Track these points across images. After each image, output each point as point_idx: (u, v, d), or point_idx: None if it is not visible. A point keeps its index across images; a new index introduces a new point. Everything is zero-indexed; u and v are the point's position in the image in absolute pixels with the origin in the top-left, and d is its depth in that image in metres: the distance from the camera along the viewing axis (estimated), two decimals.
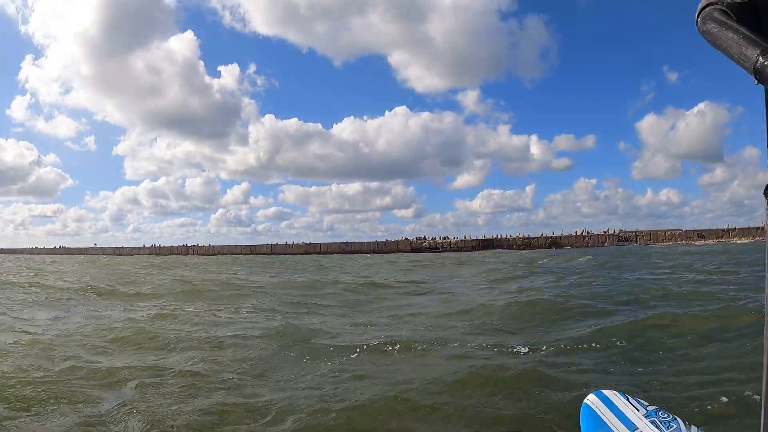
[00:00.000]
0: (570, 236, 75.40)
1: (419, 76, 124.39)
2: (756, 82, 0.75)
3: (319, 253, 77.77)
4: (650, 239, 70.46)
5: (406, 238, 80.00)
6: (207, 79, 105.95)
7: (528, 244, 75.27)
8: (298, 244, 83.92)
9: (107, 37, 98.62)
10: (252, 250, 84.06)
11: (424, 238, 79.60)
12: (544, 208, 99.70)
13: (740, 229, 65.20)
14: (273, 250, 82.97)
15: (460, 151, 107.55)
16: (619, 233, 73.91)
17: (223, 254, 78.97)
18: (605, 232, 74.67)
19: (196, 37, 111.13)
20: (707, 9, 0.88)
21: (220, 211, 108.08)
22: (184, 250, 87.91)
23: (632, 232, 74.11)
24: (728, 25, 0.81)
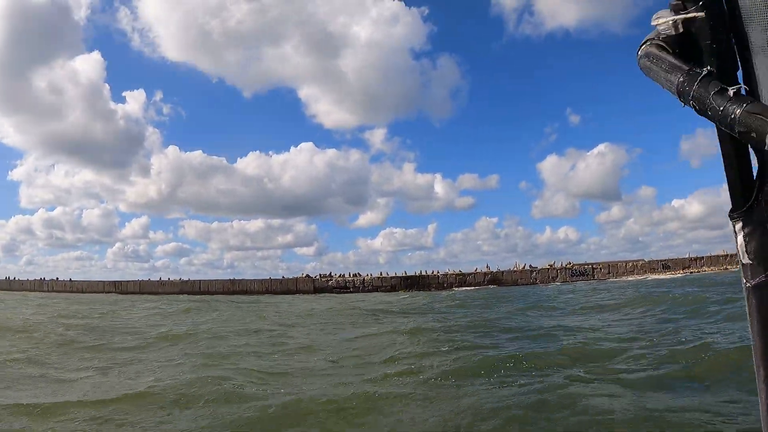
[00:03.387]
0: (512, 271, 60.58)
1: (328, 111, 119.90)
2: (683, 104, 0.83)
3: (198, 292, 60.69)
4: (609, 272, 63.24)
5: (308, 275, 63.08)
6: (111, 104, 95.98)
7: (463, 281, 59.89)
8: (174, 280, 66.25)
9: (10, 51, 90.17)
10: (118, 288, 66.28)
11: (330, 275, 62.75)
12: (446, 246, 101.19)
13: (708, 257, 63.81)
14: (142, 288, 65.88)
15: (364, 189, 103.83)
16: (571, 266, 65.18)
17: (86, 292, 63.78)
18: (551, 266, 60.78)
19: (103, 59, 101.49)
20: (644, 45, 0.92)
21: (118, 245, 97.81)
22: (38, 285, 70.77)
23: (588, 264, 66.11)
24: (658, 57, 0.88)
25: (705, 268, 62.40)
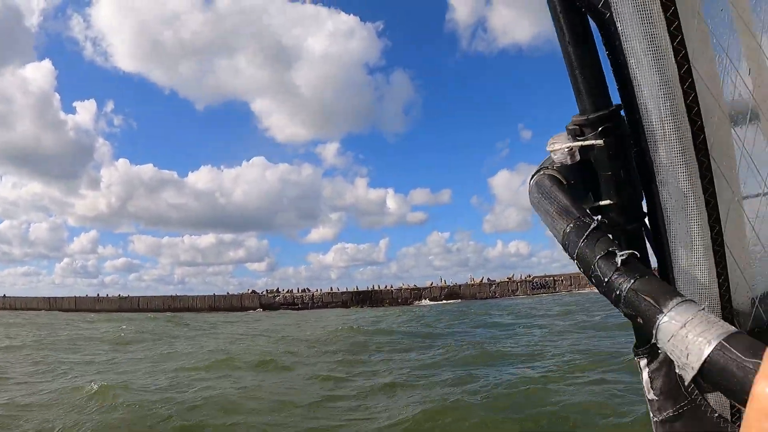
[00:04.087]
0: (470, 285, 58.25)
1: (281, 124, 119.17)
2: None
3: (137, 310, 57.32)
4: (572, 284, 60.68)
5: (254, 291, 59.61)
6: (62, 114, 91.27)
7: (418, 295, 57.42)
8: (112, 298, 62.50)
9: None
10: (53, 305, 62.60)
11: (277, 291, 59.26)
12: (397, 261, 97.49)
13: None
14: (78, 305, 62.38)
15: (316, 204, 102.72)
16: (532, 279, 62.88)
17: (21, 309, 59.75)
18: (510, 278, 58.71)
19: (54, 67, 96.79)
20: (537, 175, 0.83)
21: (66, 260, 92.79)
22: None
23: (549, 276, 63.64)
24: (549, 193, 0.78)
25: None
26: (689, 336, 0.55)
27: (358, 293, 59.05)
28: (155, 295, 63.32)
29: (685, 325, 0.56)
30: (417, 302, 56.37)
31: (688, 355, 0.55)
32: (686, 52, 0.72)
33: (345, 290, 59.95)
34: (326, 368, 11.38)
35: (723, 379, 0.51)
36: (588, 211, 0.74)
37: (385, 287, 60.27)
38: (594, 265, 0.67)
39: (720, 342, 0.52)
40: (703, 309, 0.58)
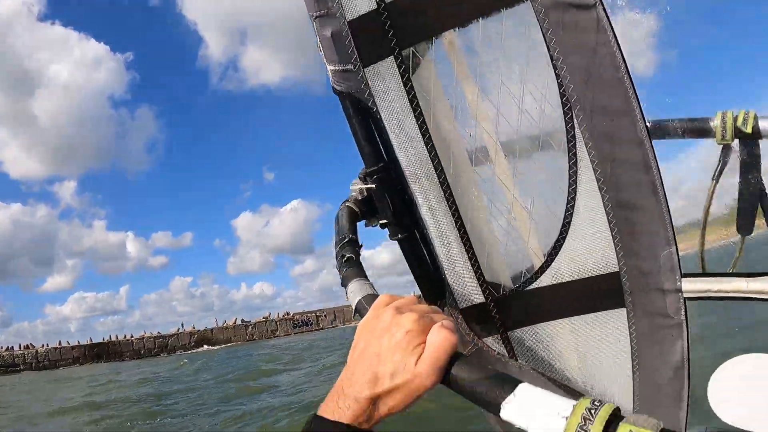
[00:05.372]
0: (224, 328, 56.17)
1: (16, 158, 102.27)
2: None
3: None
4: (335, 318, 60.56)
5: None
6: None
7: (164, 345, 52.59)
8: None
9: None
10: None
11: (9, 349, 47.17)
12: (140, 309, 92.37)
13: None
14: None
15: (52, 249, 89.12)
16: (292, 317, 60.14)
17: None
18: (267, 318, 58.49)
19: None
20: (342, 205, 1.25)
21: None
22: None
23: (311, 313, 61.83)
24: (342, 214, 1.23)
25: None
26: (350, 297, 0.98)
27: (92, 346, 51.07)
28: None
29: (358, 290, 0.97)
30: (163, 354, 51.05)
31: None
32: (424, 119, 1.13)
33: (77, 344, 51.39)
34: None
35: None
36: (355, 230, 1.19)
37: (125, 337, 53.84)
38: (338, 263, 1.09)
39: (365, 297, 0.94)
40: (369, 282, 1.00)
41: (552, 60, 1.06)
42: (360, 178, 1.21)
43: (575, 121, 1.10)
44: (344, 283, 1.03)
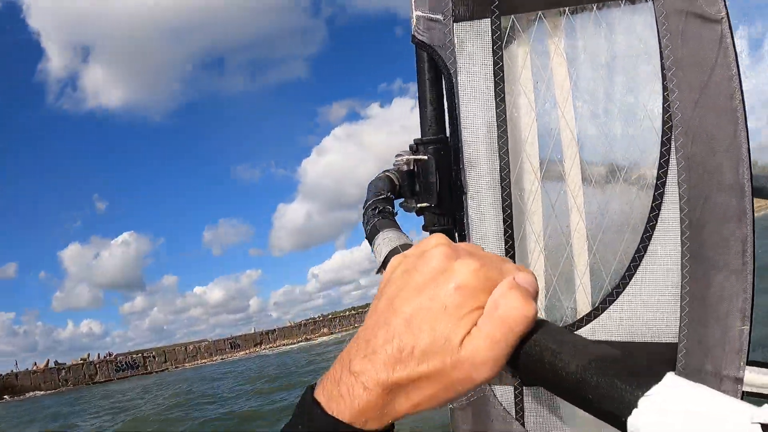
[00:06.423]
0: (32, 373, 46.52)
1: None
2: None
3: None
4: (166, 360, 53.16)
5: None
6: None
7: None
8: None
9: None
10: None
11: None
12: None
13: (281, 329, 62.39)
14: None
15: None
16: (115, 358, 51.56)
17: None
18: (85, 359, 48.80)
19: None
20: (380, 173, 1.11)
21: None
22: None
23: (137, 353, 54.72)
24: (379, 179, 1.08)
25: (279, 341, 61.05)
26: None
27: None
28: None
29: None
30: None
31: None
32: (504, 98, 0.98)
33: None
34: None
35: None
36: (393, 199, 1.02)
37: None
38: (369, 215, 0.94)
39: None
40: (407, 235, 0.82)
41: (663, 69, 0.94)
42: (410, 147, 1.07)
43: (672, 144, 0.95)
44: (372, 234, 0.85)
